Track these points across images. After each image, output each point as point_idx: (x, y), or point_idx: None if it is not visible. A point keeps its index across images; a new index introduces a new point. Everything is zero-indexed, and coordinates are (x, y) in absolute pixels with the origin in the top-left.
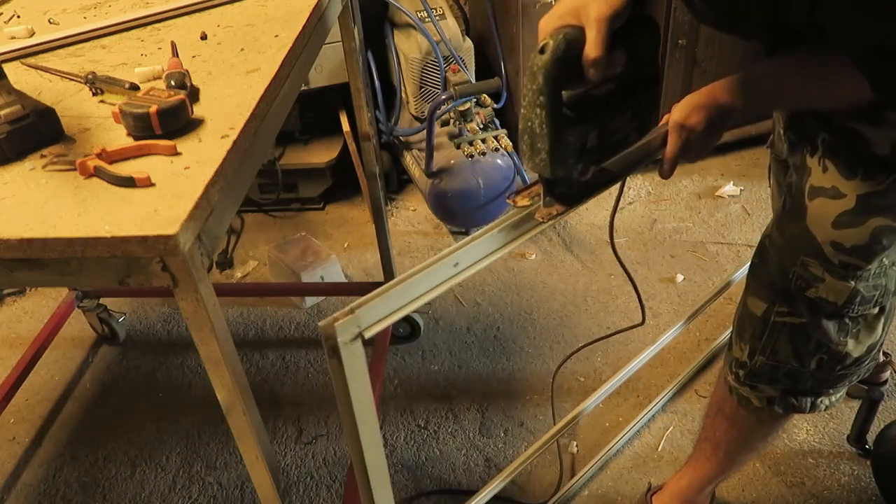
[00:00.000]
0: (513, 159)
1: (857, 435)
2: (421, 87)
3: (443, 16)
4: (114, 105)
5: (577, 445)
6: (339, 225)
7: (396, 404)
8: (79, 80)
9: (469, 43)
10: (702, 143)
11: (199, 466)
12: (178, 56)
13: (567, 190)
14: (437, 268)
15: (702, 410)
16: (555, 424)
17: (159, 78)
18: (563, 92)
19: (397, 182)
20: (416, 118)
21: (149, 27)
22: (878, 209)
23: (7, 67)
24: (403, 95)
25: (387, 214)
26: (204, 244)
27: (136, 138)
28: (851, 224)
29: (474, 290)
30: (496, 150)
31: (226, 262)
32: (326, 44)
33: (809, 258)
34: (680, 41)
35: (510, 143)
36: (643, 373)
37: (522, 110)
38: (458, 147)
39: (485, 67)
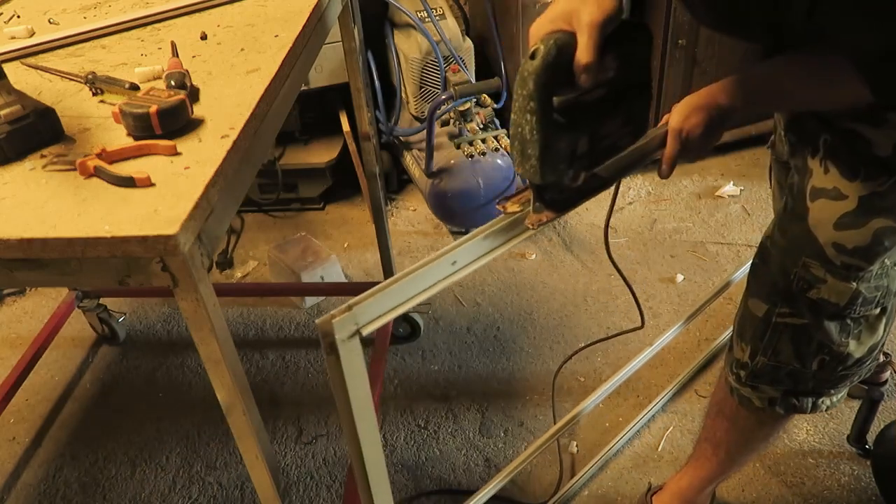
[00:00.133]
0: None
1: (857, 435)
2: (421, 87)
3: (443, 16)
4: (114, 105)
5: (577, 445)
6: (339, 225)
7: (396, 404)
8: (79, 80)
9: (469, 43)
10: (701, 144)
11: (199, 466)
12: (178, 56)
13: (557, 196)
14: (434, 266)
15: (702, 410)
16: (555, 424)
17: (159, 78)
18: (554, 97)
19: (397, 182)
20: (416, 118)
21: (149, 27)
22: (880, 210)
23: (7, 67)
24: (403, 95)
25: (387, 214)
26: (204, 244)
27: (136, 138)
28: (853, 225)
29: (474, 290)
30: (496, 150)
31: (226, 262)
32: (326, 44)
33: (811, 259)
34: (680, 41)
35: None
36: (643, 373)
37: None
38: (458, 147)
39: (485, 67)
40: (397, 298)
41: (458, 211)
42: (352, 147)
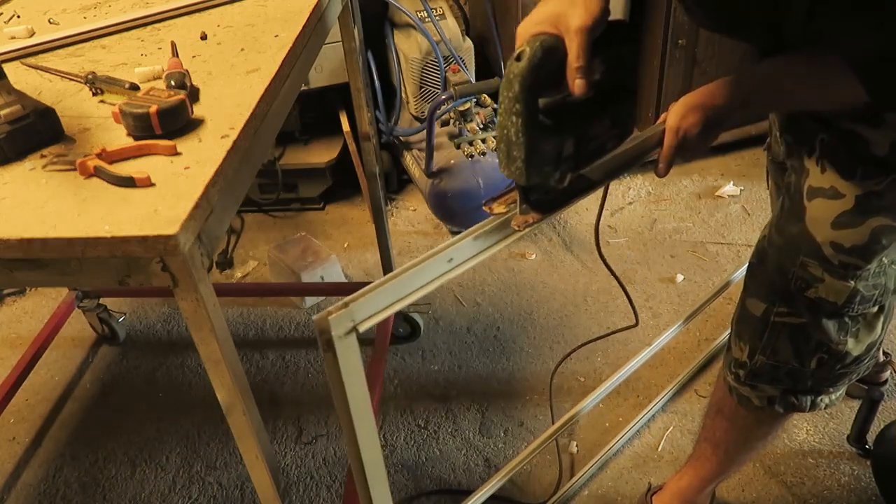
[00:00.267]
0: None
1: (857, 435)
2: (421, 87)
3: (443, 16)
4: (114, 105)
5: (576, 445)
6: (339, 225)
7: (396, 404)
8: (79, 80)
9: (469, 43)
10: (698, 144)
11: (199, 466)
12: (178, 56)
13: (544, 197)
14: (431, 263)
15: (702, 410)
16: (553, 424)
17: (159, 78)
18: (541, 99)
19: (397, 182)
20: (416, 118)
21: (149, 27)
22: (877, 209)
23: (7, 67)
24: (403, 95)
25: (387, 214)
26: (204, 244)
27: (136, 138)
28: (850, 224)
29: (474, 290)
30: (496, 150)
31: (226, 262)
32: (326, 44)
33: (809, 259)
34: (680, 41)
35: None
36: (643, 373)
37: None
38: (458, 147)
39: (485, 67)
40: (394, 295)
41: (458, 211)
42: (352, 147)
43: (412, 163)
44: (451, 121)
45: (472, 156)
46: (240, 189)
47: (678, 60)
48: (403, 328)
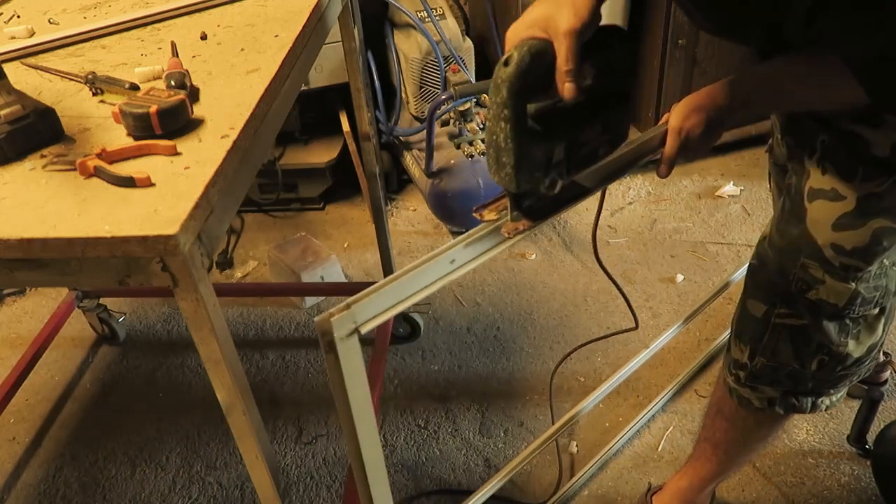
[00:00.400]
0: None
1: (857, 435)
2: (421, 87)
3: (443, 16)
4: (114, 105)
5: (577, 445)
6: (339, 225)
7: (396, 404)
8: (79, 80)
9: (469, 43)
10: (700, 144)
11: (199, 466)
12: (178, 56)
13: (535, 203)
14: (433, 264)
15: (702, 410)
16: (553, 424)
17: (159, 78)
18: (531, 105)
19: (397, 182)
20: (416, 118)
21: (149, 27)
22: (879, 210)
23: (7, 67)
24: (403, 95)
25: (387, 214)
26: (204, 244)
27: (136, 138)
28: (852, 226)
29: (474, 290)
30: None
31: (226, 262)
32: (326, 44)
33: (810, 260)
34: (680, 41)
35: None
36: (643, 373)
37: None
38: (458, 147)
39: (485, 67)
40: (396, 296)
41: (458, 211)
42: (352, 147)
43: (412, 163)
44: (451, 121)
45: (472, 156)
46: (240, 189)
47: (678, 60)
48: (403, 328)
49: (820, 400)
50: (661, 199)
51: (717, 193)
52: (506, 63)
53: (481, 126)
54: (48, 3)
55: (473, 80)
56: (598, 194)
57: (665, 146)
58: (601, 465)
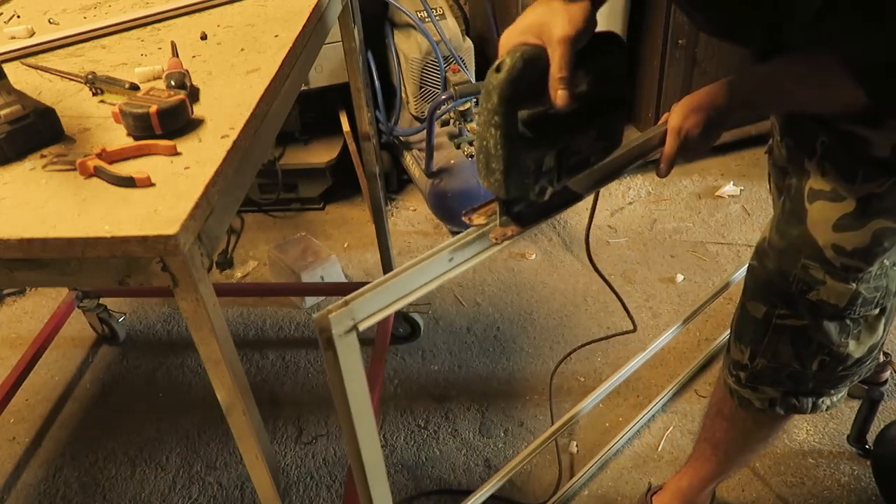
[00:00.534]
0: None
1: (857, 435)
2: (421, 87)
3: (443, 16)
4: (114, 105)
5: (577, 445)
6: (339, 225)
7: (396, 404)
8: (79, 80)
9: (469, 43)
10: (700, 144)
11: (199, 466)
12: (178, 56)
13: (525, 209)
14: (432, 262)
15: (702, 410)
16: (552, 425)
17: (159, 78)
18: (523, 111)
19: (397, 182)
20: (416, 118)
21: (149, 27)
22: (879, 211)
23: (7, 67)
24: (403, 95)
25: (387, 214)
26: (204, 244)
27: (136, 138)
28: (852, 227)
29: (474, 290)
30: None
31: (226, 262)
32: (326, 44)
33: (810, 261)
34: (680, 41)
35: None
36: (643, 373)
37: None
38: (458, 147)
39: (485, 67)
40: (394, 294)
41: (458, 211)
42: (352, 147)
43: (412, 163)
44: (451, 121)
45: (472, 156)
46: (240, 189)
47: (678, 60)
48: (403, 328)
49: (821, 400)
50: (661, 199)
51: (717, 193)
52: (497, 69)
53: None
54: (48, 3)
55: (473, 80)
56: (591, 197)
57: (664, 146)
58: (601, 465)
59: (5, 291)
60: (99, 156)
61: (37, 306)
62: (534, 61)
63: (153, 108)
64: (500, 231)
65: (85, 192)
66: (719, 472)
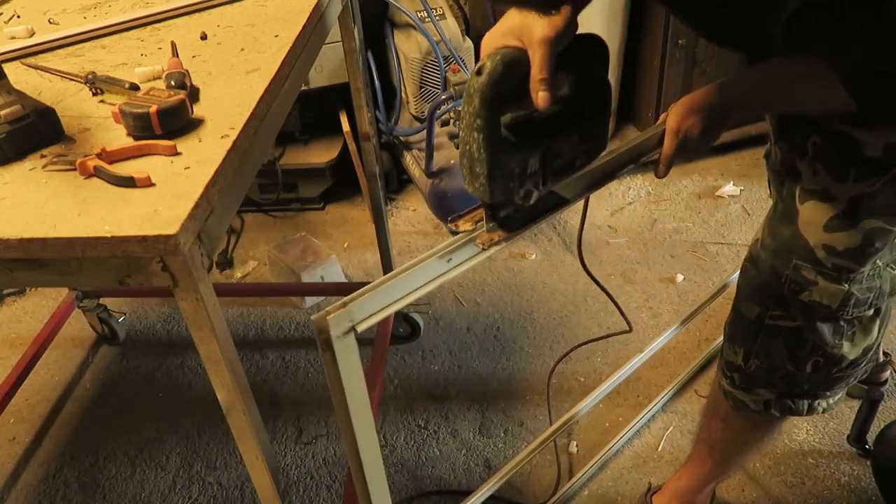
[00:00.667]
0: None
1: (857, 435)
2: (421, 87)
3: (443, 16)
4: (114, 105)
5: (576, 445)
6: (339, 225)
7: (396, 404)
8: (79, 80)
9: (469, 43)
10: (698, 145)
11: (199, 466)
12: (178, 56)
13: (512, 214)
14: (430, 263)
15: (702, 410)
16: (551, 425)
17: (159, 78)
18: (506, 115)
19: (397, 182)
20: (416, 118)
21: (149, 27)
22: (870, 211)
23: (7, 67)
24: (403, 95)
25: (387, 214)
26: (204, 244)
27: (136, 138)
28: (843, 227)
29: (474, 290)
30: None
31: (226, 262)
32: (326, 44)
33: (802, 262)
34: (680, 41)
35: None
36: (643, 373)
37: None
38: (458, 147)
39: None
40: (393, 295)
41: (457, 211)
42: (352, 147)
43: (412, 163)
44: (451, 121)
45: None
46: (240, 189)
47: (678, 60)
48: (403, 328)
49: (817, 402)
50: (661, 199)
51: (717, 193)
52: (478, 72)
53: None
54: (48, 3)
55: None
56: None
57: (663, 147)
58: (601, 465)
59: (5, 291)
60: (99, 156)
61: (37, 306)
62: (515, 64)
63: (153, 108)
64: (487, 237)
65: (85, 192)
66: (717, 472)
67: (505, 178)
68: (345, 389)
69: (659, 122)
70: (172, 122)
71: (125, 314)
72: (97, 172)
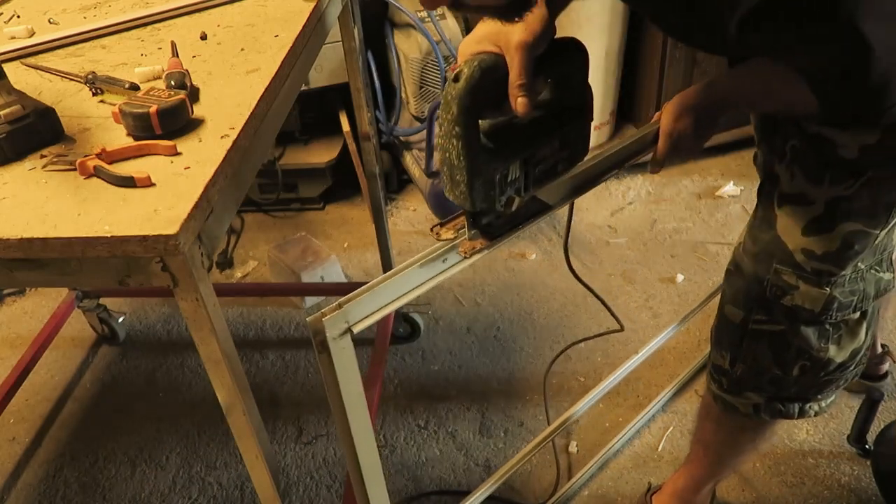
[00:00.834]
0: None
1: (857, 435)
2: (421, 87)
3: (443, 16)
4: (114, 105)
5: (576, 445)
6: (339, 225)
7: (396, 404)
8: (79, 80)
9: None
10: (692, 144)
11: (199, 466)
12: (178, 56)
13: (494, 221)
14: (426, 264)
15: (696, 412)
16: (549, 425)
17: (159, 78)
18: (485, 121)
19: (397, 182)
20: (416, 118)
21: (149, 27)
22: (848, 214)
23: (7, 67)
24: (403, 95)
25: (387, 214)
26: (204, 244)
27: (136, 138)
28: (821, 230)
29: (474, 290)
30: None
31: (226, 262)
32: (326, 44)
33: (782, 266)
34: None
35: None
36: (643, 372)
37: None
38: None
39: None
40: (388, 296)
41: (457, 211)
42: (352, 147)
43: (412, 163)
44: None
45: None
46: (240, 189)
47: (678, 60)
48: (403, 328)
49: (808, 406)
50: (661, 199)
51: (717, 193)
52: (456, 79)
53: None
54: (48, 3)
55: None
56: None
57: (657, 147)
58: (601, 464)
59: (5, 291)
60: (99, 156)
61: (37, 306)
62: (492, 69)
63: (153, 108)
64: (469, 245)
65: (85, 192)
66: (712, 473)
67: (486, 186)
68: (341, 391)
69: (653, 120)
70: (172, 122)
71: (125, 314)
72: (97, 172)
